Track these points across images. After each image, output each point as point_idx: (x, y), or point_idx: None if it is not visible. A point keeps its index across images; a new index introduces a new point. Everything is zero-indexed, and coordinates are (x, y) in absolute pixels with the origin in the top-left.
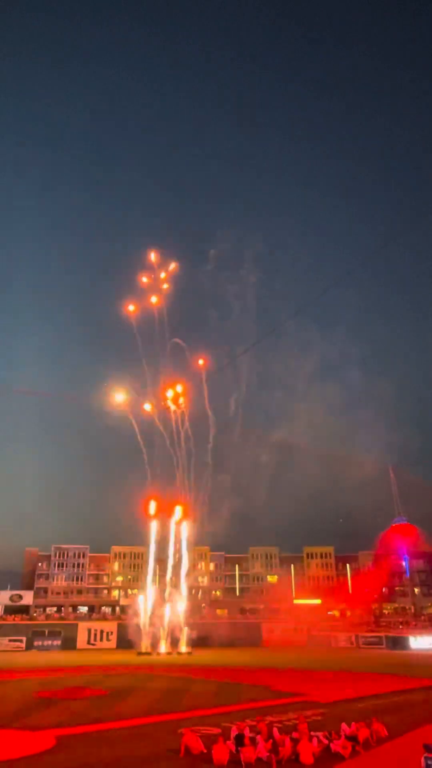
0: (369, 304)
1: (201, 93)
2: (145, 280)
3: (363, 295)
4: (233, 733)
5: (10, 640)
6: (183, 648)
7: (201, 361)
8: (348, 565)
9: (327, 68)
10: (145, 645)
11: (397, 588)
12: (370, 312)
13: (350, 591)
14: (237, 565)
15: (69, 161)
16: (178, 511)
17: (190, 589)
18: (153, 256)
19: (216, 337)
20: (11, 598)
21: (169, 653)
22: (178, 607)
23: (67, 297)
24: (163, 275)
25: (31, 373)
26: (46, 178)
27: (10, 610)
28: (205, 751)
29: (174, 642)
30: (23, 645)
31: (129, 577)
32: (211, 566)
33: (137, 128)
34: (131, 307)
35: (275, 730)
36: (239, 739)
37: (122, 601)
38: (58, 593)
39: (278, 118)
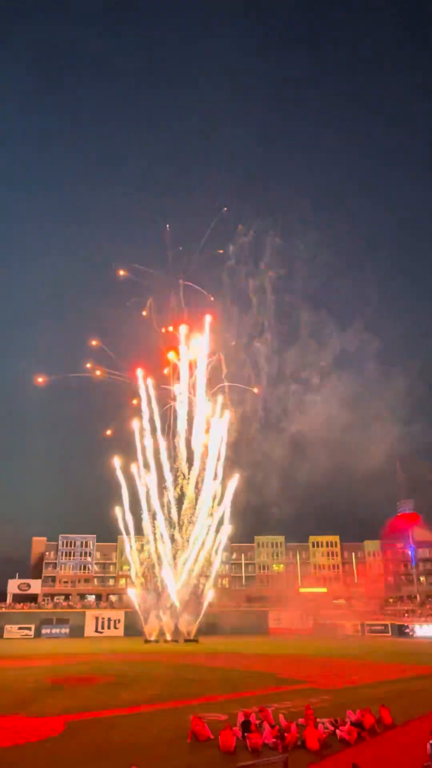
0: (386, 296)
1: None
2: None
3: (381, 287)
4: (240, 720)
5: (19, 628)
6: (190, 636)
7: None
8: (354, 553)
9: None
10: (152, 633)
11: (402, 576)
12: (387, 304)
13: (356, 579)
14: (243, 554)
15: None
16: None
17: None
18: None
19: (232, 328)
20: (19, 587)
21: (176, 641)
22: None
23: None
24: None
25: (40, 360)
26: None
27: (18, 599)
28: (212, 737)
29: (181, 630)
30: (32, 633)
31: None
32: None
33: None
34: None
35: (281, 716)
36: (246, 726)
37: (129, 589)
38: (66, 582)
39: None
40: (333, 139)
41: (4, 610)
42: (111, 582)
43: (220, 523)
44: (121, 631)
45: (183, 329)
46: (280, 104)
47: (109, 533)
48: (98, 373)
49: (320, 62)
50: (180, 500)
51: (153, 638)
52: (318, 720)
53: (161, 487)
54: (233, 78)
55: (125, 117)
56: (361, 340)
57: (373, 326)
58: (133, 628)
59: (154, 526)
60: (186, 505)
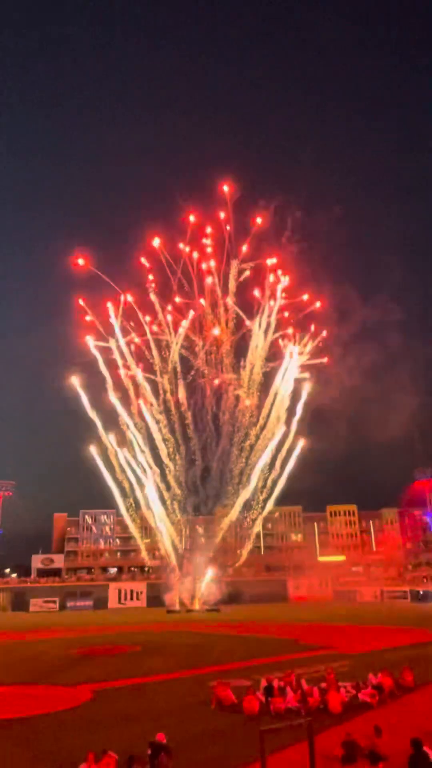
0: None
1: None
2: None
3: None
4: (263, 685)
5: (44, 602)
6: (212, 605)
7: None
8: (371, 522)
9: None
10: (174, 603)
11: (421, 543)
12: (412, 274)
13: (374, 547)
14: (261, 524)
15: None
16: None
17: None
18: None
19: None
20: (43, 562)
21: (197, 610)
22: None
23: None
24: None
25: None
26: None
27: (42, 573)
28: (236, 702)
29: (202, 600)
30: (56, 606)
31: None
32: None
33: None
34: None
35: (303, 681)
36: (269, 691)
37: (150, 562)
38: (88, 556)
39: None
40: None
41: (29, 584)
42: (132, 555)
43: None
44: (143, 602)
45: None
46: None
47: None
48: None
49: None
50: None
51: (175, 608)
52: (340, 684)
53: None
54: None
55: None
56: (384, 310)
57: (396, 297)
58: (155, 599)
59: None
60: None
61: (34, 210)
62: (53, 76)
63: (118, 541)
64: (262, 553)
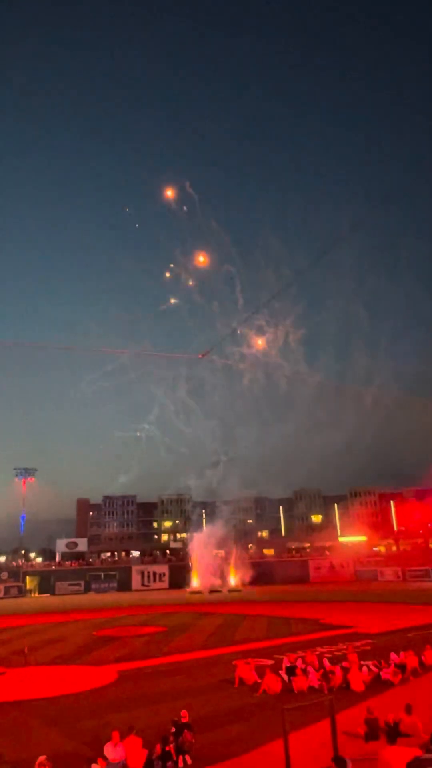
0: None
1: None
2: None
3: None
4: (285, 664)
5: (70, 584)
6: (233, 586)
7: None
8: (392, 502)
9: None
10: (196, 584)
11: None
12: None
13: (395, 527)
14: (281, 507)
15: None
16: None
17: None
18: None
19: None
20: (67, 546)
21: (219, 591)
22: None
23: None
24: None
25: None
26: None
27: (67, 557)
28: (258, 681)
29: (225, 581)
30: (81, 588)
31: (176, 522)
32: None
33: None
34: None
35: (326, 660)
36: (291, 670)
37: (172, 545)
38: (110, 539)
39: None
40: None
41: (54, 568)
42: (154, 538)
43: None
44: (166, 584)
45: None
46: None
47: (149, 492)
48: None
49: None
50: None
51: (198, 589)
52: (362, 662)
53: None
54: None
55: None
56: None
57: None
58: (177, 581)
59: None
60: None
61: None
62: None
63: (138, 524)
64: (283, 534)
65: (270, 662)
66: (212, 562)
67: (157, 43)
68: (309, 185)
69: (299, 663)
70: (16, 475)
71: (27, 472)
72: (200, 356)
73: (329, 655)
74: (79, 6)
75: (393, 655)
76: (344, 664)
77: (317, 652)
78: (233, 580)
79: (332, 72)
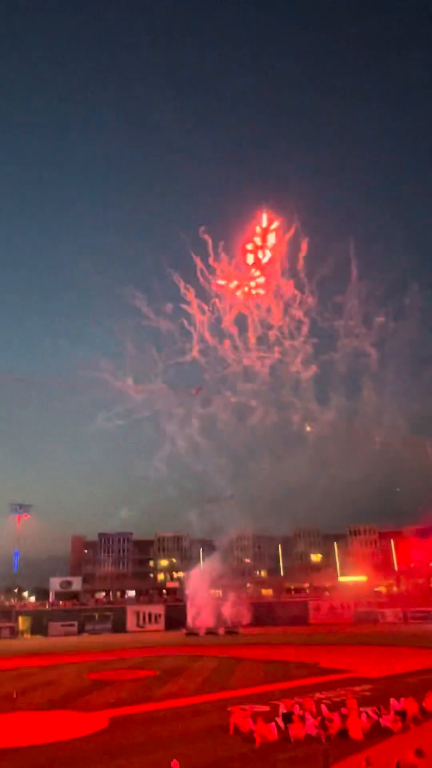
0: None
1: None
2: None
3: None
4: (281, 711)
5: (63, 625)
6: (230, 628)
7: None
8: (392, 540)
9: None
10: (192, 625)
11: None
12: None
13: (396, 567)
14: (280, 545)
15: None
16: None
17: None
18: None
19: None
20: (61, 585)
21: (216, 633)
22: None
23: None
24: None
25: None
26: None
27: (60, 596)
28: (254, 728)
29: (221, 623)
30: (75, 629)
31: (173, 560)
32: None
33: None
34: None
35: (324, 706)
36: (287, 717)
37: (168, 584)
38: (105, 578)
39: None
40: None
41: (48, 607)
42: (150, 577)
43: None
44: (161, 625)
45: None
46: None
47: (146, 529)
48: None
49: None
50: None
51: (193, 631)
52: (361, 709)
53: None
54: None
55: None
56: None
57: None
58: (173, 622)
59: None
60: None
61: None
62: None
63: (134, 563)
64: (282, 574)
65: (266, 708)
66: (209, 602)
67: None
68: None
69: (296, 709)
70: (12, 511)
71: (22, 507)
72: (194, 392)
73: (327, 701)
74: None
75: (393, 701)
76: (343, 710)
77: (315, 698)
78: (230, 622)
79: None
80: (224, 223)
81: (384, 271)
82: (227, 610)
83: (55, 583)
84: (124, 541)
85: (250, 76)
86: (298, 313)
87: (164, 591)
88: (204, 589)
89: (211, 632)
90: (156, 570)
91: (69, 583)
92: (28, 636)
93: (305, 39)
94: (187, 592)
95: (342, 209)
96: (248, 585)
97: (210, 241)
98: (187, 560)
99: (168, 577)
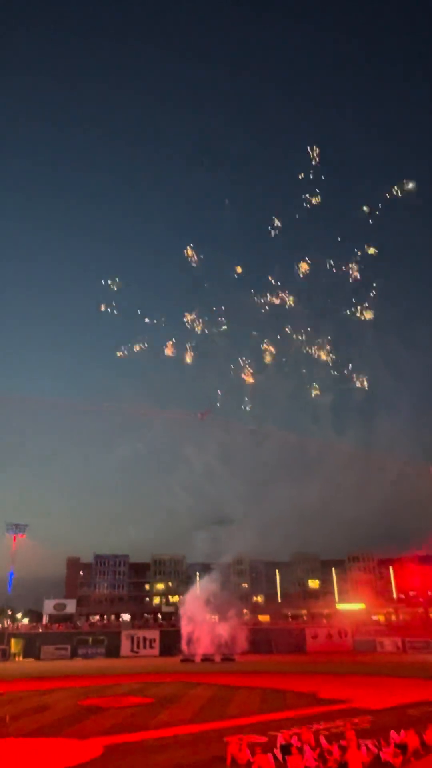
0: None
1: None
2: None
3: None
4: (279, 742)
5: (56, 648)
6: (226, 655)
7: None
8: (391, 568)
9: None
10: (188, 652)
11: None
12: None
13: (395, 595)
14: (277, 570)
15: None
16: None
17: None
18: None
19: None
20: (55, 607)
21: (212, 660)
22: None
23: None
24: None
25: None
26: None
27: (54, 619)
28: (252, 760)
29: (217, 649)
30: (68, 653)
31: (169, 584)
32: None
33: None
34: None
35: (322, 738)
36: (286, 749)
37: (164, 609)
38: (100, 601)
39: None
40: None
41: (40, 630)
42: (146, 600)
43: None
44: (156, 651)
45: None
46: None
47: (142, 552)
48: None
49: None
50: None
51: (189, 657)
52: (361, 741)
53: None
54: None
55: None
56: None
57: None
58: (168, 648)
59: None
60: None
61: None
62: None
63: (130, 587)
64: (279, 600)
65: (264, 739)
66: (205, 628)
67: None
68: None
69: (295, 741)
70: (7, 531)
71: (18, 528)
72: (200, 417)
73: (326, 732)
74: None
75: (393, 734)
76: (342, 742)
77: (314, 729)
78: (226, 648)
79: None
80: None
81: None
82: (224, 637)
83: (48, 606)
84: (119, 563)
85: None
86: None
87: (159, 615)
88: (200, 614)
89: (207, 659)
90: (152, 593)
91: (63, 606)
92: (20, 659)
93: None
94: (183, 616)
95: None
96: (245, 611)
97: None
98: (184, 584)
99: (164, 600)
